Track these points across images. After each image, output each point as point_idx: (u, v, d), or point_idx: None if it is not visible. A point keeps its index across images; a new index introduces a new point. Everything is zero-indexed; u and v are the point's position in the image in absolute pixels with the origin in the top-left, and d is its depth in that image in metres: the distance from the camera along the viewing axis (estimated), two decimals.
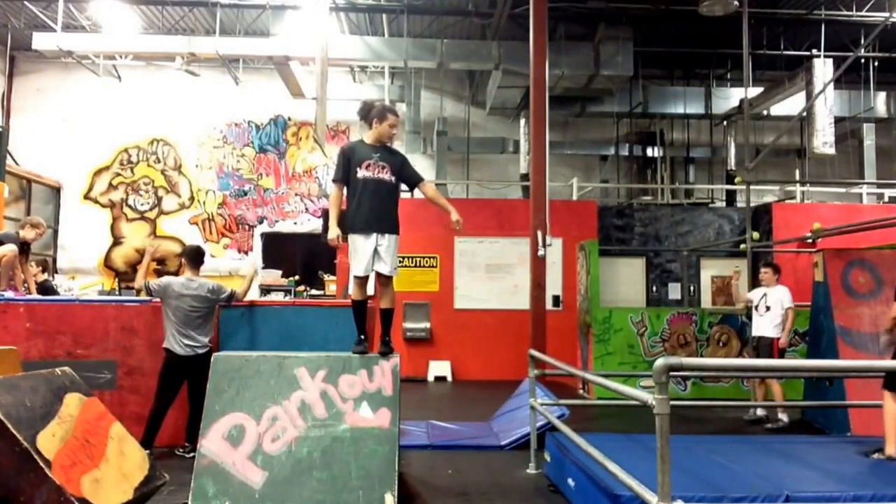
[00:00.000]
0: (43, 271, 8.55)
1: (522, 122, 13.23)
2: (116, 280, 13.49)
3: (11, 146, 12.51)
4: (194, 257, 5.78)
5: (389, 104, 4.59)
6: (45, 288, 8.25)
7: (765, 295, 7.36)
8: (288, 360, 4.17)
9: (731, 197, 13.83)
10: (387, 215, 4.41)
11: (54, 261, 13.40)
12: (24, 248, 6.40)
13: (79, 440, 3.32)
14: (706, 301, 11.89)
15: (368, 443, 3.94)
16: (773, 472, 3.80)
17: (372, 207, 4.35)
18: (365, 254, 4.33)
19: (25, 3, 11.71)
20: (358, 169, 4.37)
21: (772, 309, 7.27)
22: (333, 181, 4.50)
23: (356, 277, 4.42)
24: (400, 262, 11.36)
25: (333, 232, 4.33)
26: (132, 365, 5.71)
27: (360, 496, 3.78)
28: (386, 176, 4.41)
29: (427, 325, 11.12)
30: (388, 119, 4.46)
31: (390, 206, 4.45)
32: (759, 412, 7.40)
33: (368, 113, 4.51)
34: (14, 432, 3.01)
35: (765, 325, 7.29)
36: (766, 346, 7.22)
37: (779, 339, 7.19)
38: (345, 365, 4.18)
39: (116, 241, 13.72)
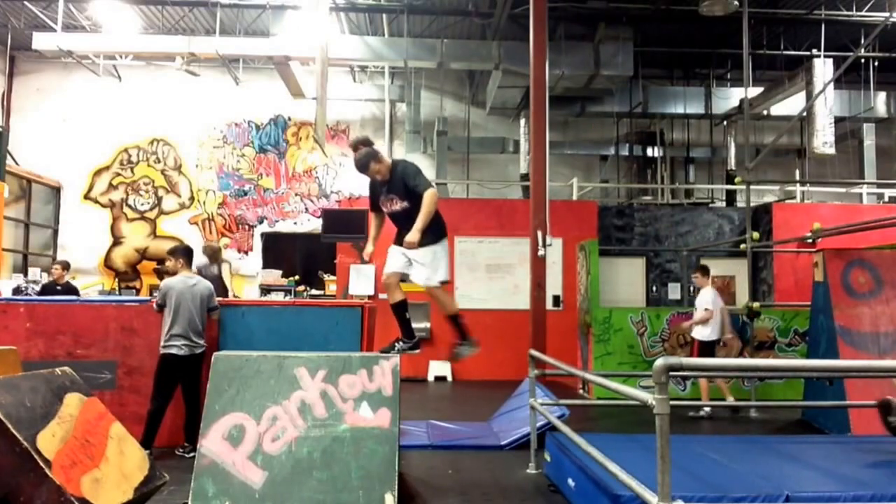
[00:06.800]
0: (65, 269, 8.62)
1: (522, 122, 13.22)
2: (116, 280, 13.49)
3: (11, 146, 12.50)
4: (190, 256, 5.83)
5: (360, 154, 4.67)
6: (68, 288, 8.36)
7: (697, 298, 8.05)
8: (288, 360, 4.17)
9: (731, 197, 13.82)
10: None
11: (54, 261, 13.39)
12: None
13: (79, 440, 3.32)
14: None
15: (368, 443, 3.94)
16: (773, 472, 3.80)
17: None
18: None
19: (25, 3, 11.70)
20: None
21: (697, 310, 7.88)
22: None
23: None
24: None
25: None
26: (132, 365, 5.71)
27: (360, 496, 3.78)
28: (396, 207, 4.65)
29: (427, 325, 11.11)
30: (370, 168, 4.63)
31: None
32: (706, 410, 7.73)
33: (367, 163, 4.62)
34: (14, 432, 3.01)
35: (696, 328, 7.90)
36: (696, 348, 7.81)
37: (703, 341, 7.75)
38: (345, 365, 4.18)
39: (116, 241, 13.71)
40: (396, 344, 4.66)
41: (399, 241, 4.61)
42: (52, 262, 13.15)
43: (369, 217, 4.95)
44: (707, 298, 7.82)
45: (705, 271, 8.14)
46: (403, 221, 4.60)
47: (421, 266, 4.56)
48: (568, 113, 13.77)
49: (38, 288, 10.71)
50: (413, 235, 4.39)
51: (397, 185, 4.59)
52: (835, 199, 13.80)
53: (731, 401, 7.98)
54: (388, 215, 4.73)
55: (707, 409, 7.64)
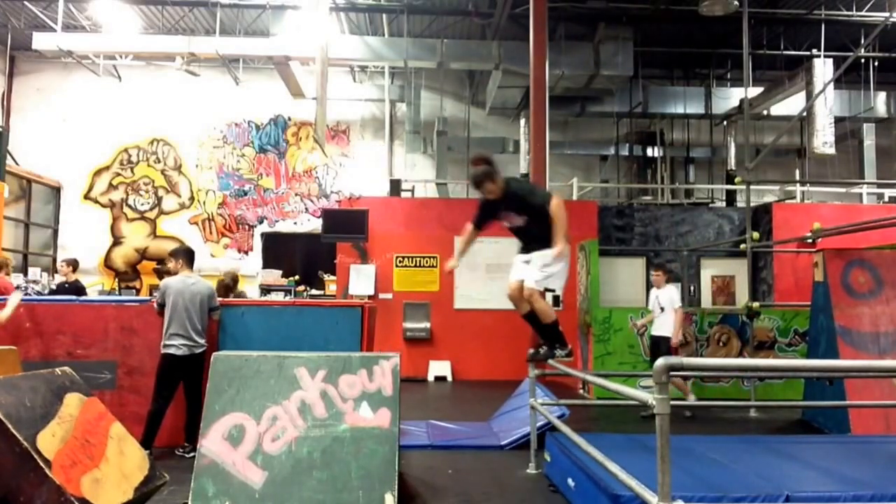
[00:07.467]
0: (73, 270, 8.59)
1: (522, 122, 13.23)
2: (116, 280, 13.49)
3: (11, 146, 12.50)
4: (191, 257, 5.83)
5: (476, 171, 4.68)
6: (75, 288, 8.33)
7: (657, 297, 7.88)
8: (288, 360, 4.17)
9: (731, 197, 13.82)
10: None
11: (54, 261, 13.39)
12: None
13: (79, 440, 3.32)
14: (706, 301, 11.89)
15: (368, 443, 3.94)
16: (773, 472, 3.80)
17: None
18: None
19: (25, 3, 11.71)
20: None
21: (666, 310, 7.71)
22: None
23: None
24: (400, 261, 11.38)
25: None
26: (132, 365, 5.71)
27: (360, 496, 3.78)
28: (517, 222, 4.75)
29: (427, 325, 11.12)
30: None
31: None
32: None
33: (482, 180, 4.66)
34: (14, 432, 3.01)
35: (665, 326, 7.70)
36: (665, 347, 7.59)
37: (672, 340, 7.62)
38: (345, 365, 4.18)
39: (116, 241, 13.71)
40: (549, 350, 5.00)
41: (524, 250, 4.80)
42: (52, 262, 13.21)
43: (465, 230, 4.99)
44: (676, 297, 7.75)
45: (667, 270, 8.25)
46: (523, 234, 4.77)
47: (533, 267, 4.62)
48: (568, 113, 13.78)
49: (38, 288, 10.70)
50: (558, 246, 4.41)
51: (512, 202, 4.67)
52: (835, 199, 13.80)
53: (692, 400, 7.84)
54: (509, 229, 4.85)
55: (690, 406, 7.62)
